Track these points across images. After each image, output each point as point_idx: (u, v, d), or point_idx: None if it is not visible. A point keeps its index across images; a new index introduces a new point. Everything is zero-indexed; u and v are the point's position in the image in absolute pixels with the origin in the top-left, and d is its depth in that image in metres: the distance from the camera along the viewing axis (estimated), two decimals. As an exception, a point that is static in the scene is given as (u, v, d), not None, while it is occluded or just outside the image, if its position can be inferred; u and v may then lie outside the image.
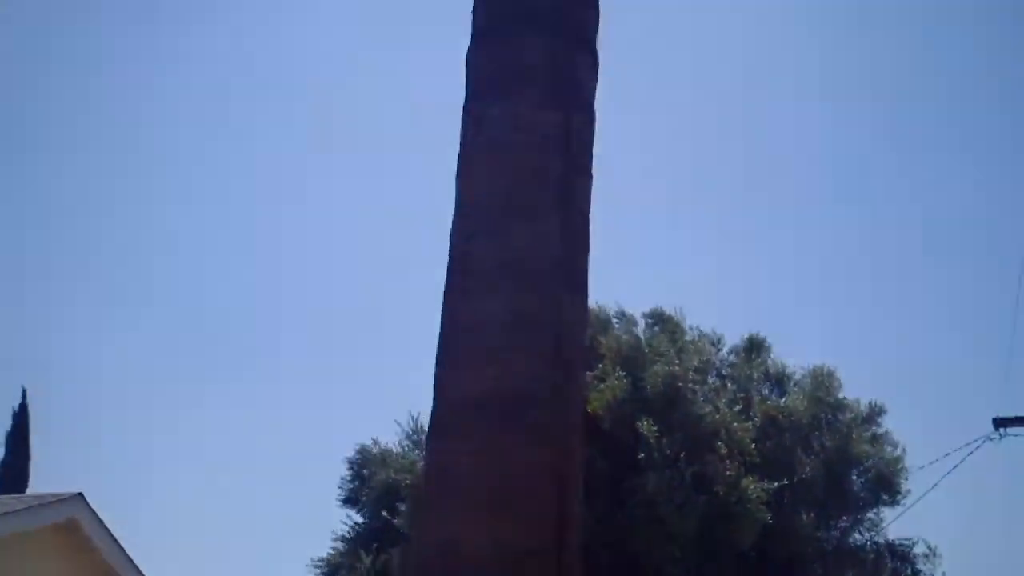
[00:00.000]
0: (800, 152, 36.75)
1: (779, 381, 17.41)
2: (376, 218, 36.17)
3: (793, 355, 17.95)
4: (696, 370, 16.10)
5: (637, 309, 17.61)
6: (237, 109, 35.62)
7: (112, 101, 35.17)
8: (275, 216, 37.22)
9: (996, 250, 34.18)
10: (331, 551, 17.37)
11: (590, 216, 6.37)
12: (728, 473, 14.91)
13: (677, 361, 15.90)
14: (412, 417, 17.09)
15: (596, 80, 6.58)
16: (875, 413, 17.05)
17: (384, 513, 16.63)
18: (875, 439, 16.82)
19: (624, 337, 16.72)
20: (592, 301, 16.56)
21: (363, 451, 17.69)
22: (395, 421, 17.36)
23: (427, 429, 6.17)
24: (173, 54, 34.15)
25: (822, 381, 17.03)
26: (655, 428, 15.01)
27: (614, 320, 17.37)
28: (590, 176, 6.42)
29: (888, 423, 17.14)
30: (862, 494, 16.82)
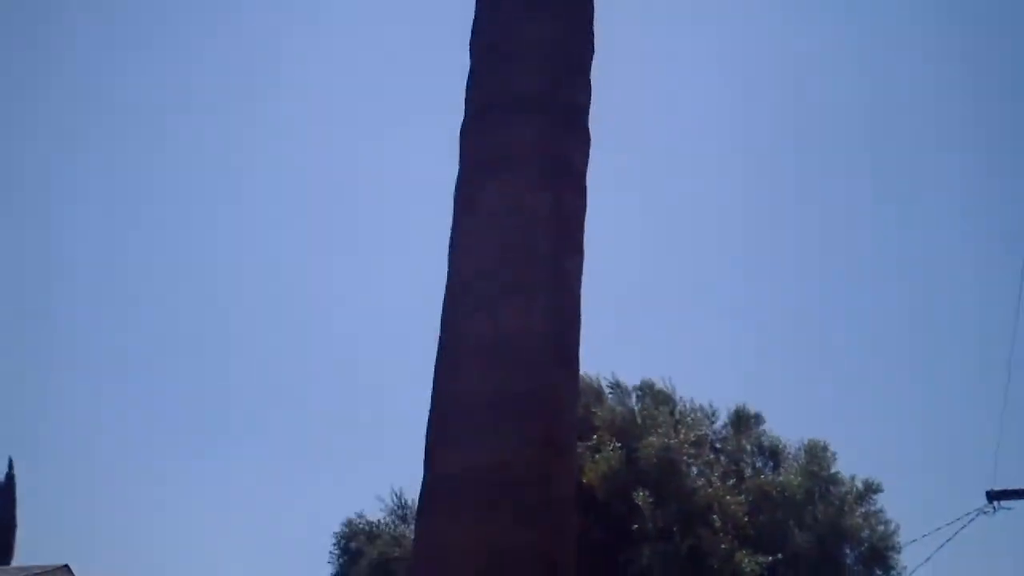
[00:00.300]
0: (792, 223, 36.96)
1: (773, 454, 17.38)
2: (368, 293, 36.30)
3: (786, 428, 17.96)
4: (691, 443, 16.09)
5: (628, 380, 17.64)
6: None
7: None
8: (263, 290, 37.30)
9: (986, 325, 34.27)
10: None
11: (581, 294, 6.40)
12: (722, 546, 14.84)
13: (672, 433, 15.90)
14: (395, 493, 17.07)
15: (587, 159, 6.64)
16: (870, 491, 17.01)
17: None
18: (868, 515, 16.76)
19: (618, 408, 16.72)
20: (586, 371, 16.53)
21: (350, 524, 17.61)
22: (377, 497, 17.31)
23: (416, 505, 6.14)
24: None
25: (816, 455, 17.00)
26: (651, 499, 14.96)
27: (608, 391, 17.37)
28: (581, 254, 6.46)
29: (881, 498, 17.10)
30: (855, 568, 16.73)
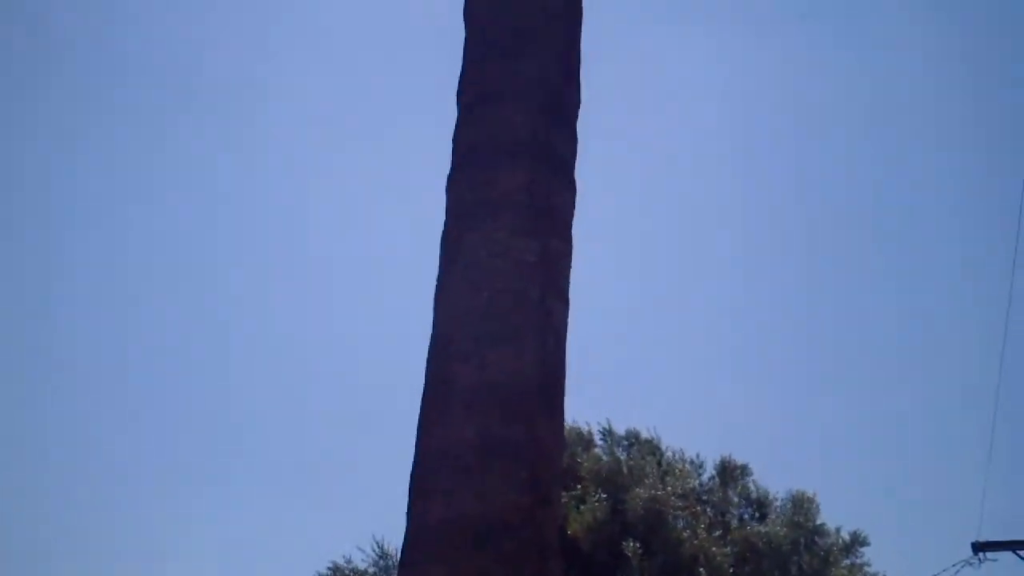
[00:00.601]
0: (778, 274, 37.07)
1: (759, 505, 17.35)
2: (352, 336, 36.21)
3: (773, 477, 17.94)
4: (679, 495, 16.08)
5: (616, 428, 17.63)
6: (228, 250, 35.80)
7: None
8: (247, 333, 37.18)
9: (971, 374, 34.33)
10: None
11: (567, 341, 6.41)
12: (708, 599, 14.78)
13: (660, 485, 15.90)
14: (376, 542, 16.96)
15: (573, 207, 6.67)
16: (856, 543, 16.98)
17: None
18: (854, 567, 16.72)
19: (604, 459, 16.68)
20: (575, 419, 16.43)
21: (336, 569, 17.47)
22: (358, 548, 17.18)
23: (400, 553, 6.10)
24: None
25: (801, 506, 16.98)
26: (640, 550, 14.93)
27: (597, 439, 17.37)
28: (567, 302, 6.47)
29: (867, 550, 17.06)
30: (841, 620, 16.65)
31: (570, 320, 6.44)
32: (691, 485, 16.82)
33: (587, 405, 18.75)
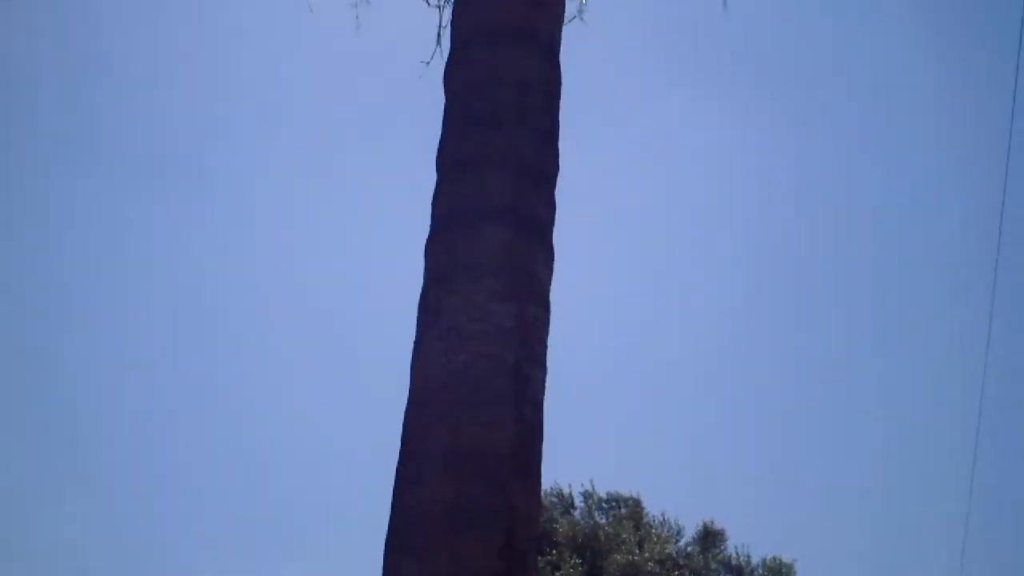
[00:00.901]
0: (761, 342, 37.19)
1: (738, 572, 17.31)
2: (330, 399, 36.08)
3: (754, 542, 17.89)
4: (657, 561, 16.02)
5: (598, 490, 17.59)
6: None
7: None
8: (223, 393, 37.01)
9: (950, 441, 34.42)
10: None
11: (543, 407, 6.43)
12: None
13: (638, 551, 15.84)
14: None
15: (551, 272, 6.73)
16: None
17: None
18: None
19: (580, 524, 16.63)
20: (554, 480, 16.41)
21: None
22: None
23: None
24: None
25: (779, 573, 16.95)
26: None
27: (578, 500, 17.34)
28: (544, 367, 6.51)
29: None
30: None
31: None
32: (669, 551, 16.77)
33: (570, 466, 18.70)
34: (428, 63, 8.63)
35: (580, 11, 9.09)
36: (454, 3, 7.65)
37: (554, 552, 15.68)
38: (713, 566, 17.03)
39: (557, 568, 15.39)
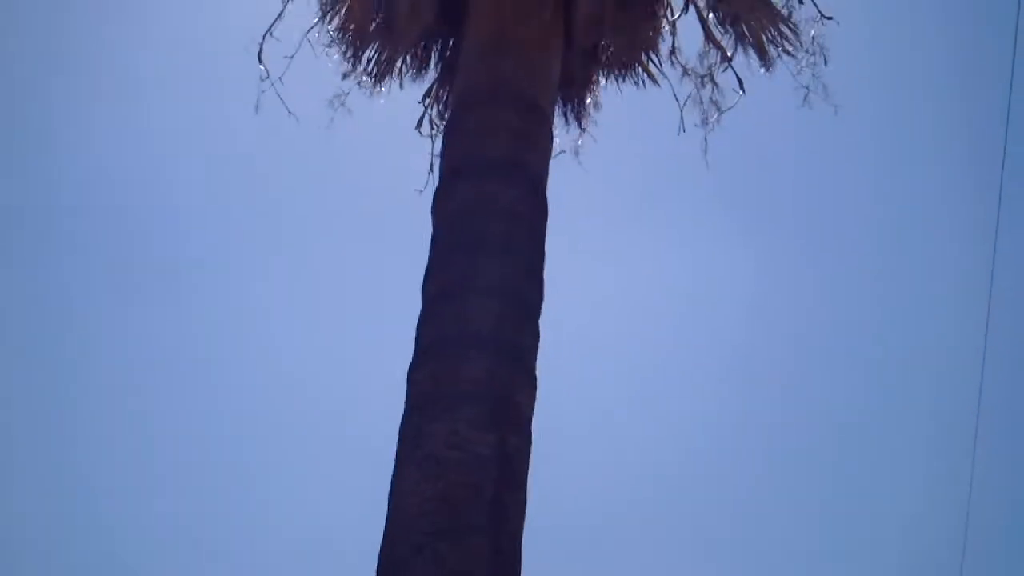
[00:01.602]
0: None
1: None
2: (303, 530, 35.51)
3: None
4: None
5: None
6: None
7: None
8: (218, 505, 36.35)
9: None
10: None
11: (522, 536, 6.38)
12: None
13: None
14: None
15: (533, 401, 6.73)
16: None
17: None
18: None
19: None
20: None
21: None
22: None
23: None
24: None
25: None
26: None
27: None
28: (524, 494, 6.47)
29: None
30: None
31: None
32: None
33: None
34: (421, 191, 8.77)
35: (577, 151, 9.33)
36: (444, 134, 7.82)
37: None
38: None
39: None
